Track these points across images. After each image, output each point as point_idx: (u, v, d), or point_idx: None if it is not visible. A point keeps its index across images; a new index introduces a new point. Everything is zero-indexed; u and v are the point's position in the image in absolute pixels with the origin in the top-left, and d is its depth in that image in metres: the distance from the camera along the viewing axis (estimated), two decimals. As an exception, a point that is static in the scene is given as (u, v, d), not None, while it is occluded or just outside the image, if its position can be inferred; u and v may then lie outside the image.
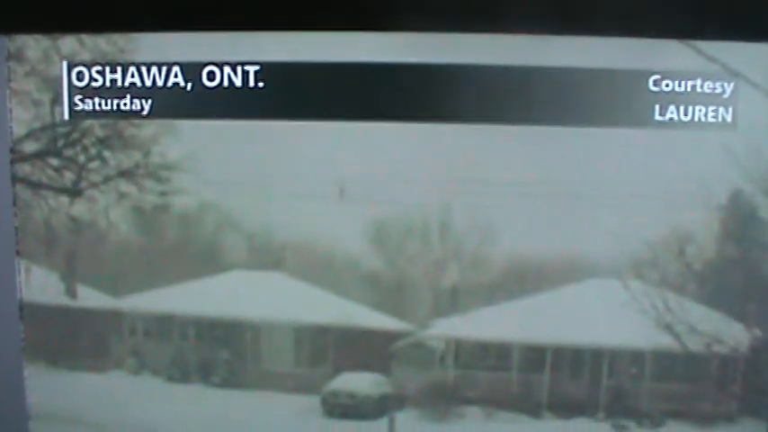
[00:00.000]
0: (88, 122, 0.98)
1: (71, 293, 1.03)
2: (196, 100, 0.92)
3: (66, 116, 0.96)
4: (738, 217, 0.95)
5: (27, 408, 1.04)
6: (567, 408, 1.01)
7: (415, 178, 0.93)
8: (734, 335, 0.98)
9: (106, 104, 0.94)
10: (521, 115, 0.91)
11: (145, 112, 0.93)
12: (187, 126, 0.95)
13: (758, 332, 0.98)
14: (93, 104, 0.94)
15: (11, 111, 0.96)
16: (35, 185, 1.00)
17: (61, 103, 0.97)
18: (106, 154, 0.99)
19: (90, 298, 1.03)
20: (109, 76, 0.94)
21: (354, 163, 0.94)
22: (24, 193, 0.98)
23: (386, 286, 0.98)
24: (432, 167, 0.94)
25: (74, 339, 1.04)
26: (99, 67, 0.94)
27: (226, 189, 0.96)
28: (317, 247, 0.97)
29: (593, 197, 0.93)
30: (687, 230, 0.96)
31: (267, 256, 0.99)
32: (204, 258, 1.00)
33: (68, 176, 1.00)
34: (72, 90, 0.94)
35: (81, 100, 0.95)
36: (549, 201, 0.93)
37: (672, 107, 0.91)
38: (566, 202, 0.93)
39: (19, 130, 0.97)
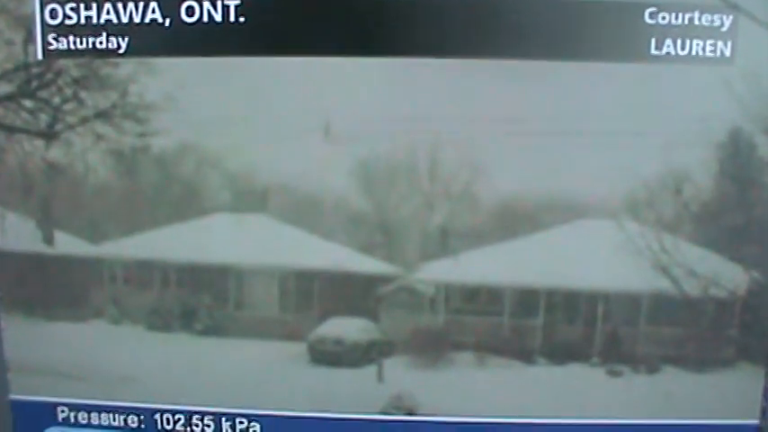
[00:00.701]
0: (63, 62, 0.95)
1: (48, 240, 1.02)
2: (175, 36, 0.90)
3: (40, 56, 0.93)
4: (737, 156, 0.93)
5: (5, 360, 1.03)
6: (560, 353, 1.01)
7: (402, 116, 0.91)
8: (732, 277, 0.98)
9: (81, 43, 0.92)
10: (512, 50, 0.89)
11: (122, 51, 0.91)
12: (166, 64, 0.93)
13: (756, 275, 0.97)
14: (68, 43, 0.92)
15: (-19, 50, 0.93)
16: (8, 129, 0.98)
17: (34, 43, 0.94)
18: (82, 95, 0.97)
19: (68, 245, 1.01)
20: (84, 13, 0.92)
21: (340, 101, 0.92)
22: (-3, 137, 0.95)
23: (373, 228, 0.97)
24: (420, 105, 0.92)
25: (51, 288, 1.03)
26: (73, 4, 0.91)
27: (207, 129, 0.94)
28: (301, 189, 0.96)
29: (588, 135, 0.92)
30: (684, 169, 0.94)
31: (250, 199, 0.97)
32: (185, 202, 0.99)
33: (43, 119, 0.98)
34: (45, 28, 0.92)
35: (55, 39, 0.93)
36: (541, 139, 0.92)
37: (668, 41, 0.89)
38: (559, 140, 0.92)
39: (-10, 70, 0.94)
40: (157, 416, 1.03)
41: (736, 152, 0.93)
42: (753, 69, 0.91)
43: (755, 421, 1.00)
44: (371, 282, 0.99)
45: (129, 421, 1.03)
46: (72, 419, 1.04)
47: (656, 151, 0.93)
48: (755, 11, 0.90)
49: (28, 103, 0.98)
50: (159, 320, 1.02)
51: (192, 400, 1.02)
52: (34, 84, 0.97)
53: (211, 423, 1.01)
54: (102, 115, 0.97)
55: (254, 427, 1.01)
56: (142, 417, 1.03)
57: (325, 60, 0.90)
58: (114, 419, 1.04)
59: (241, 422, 1.01)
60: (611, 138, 0.92)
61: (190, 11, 0.91)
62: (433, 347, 1.00)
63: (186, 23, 0.91)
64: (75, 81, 0.96)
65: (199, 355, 1.02)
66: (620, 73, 0.92)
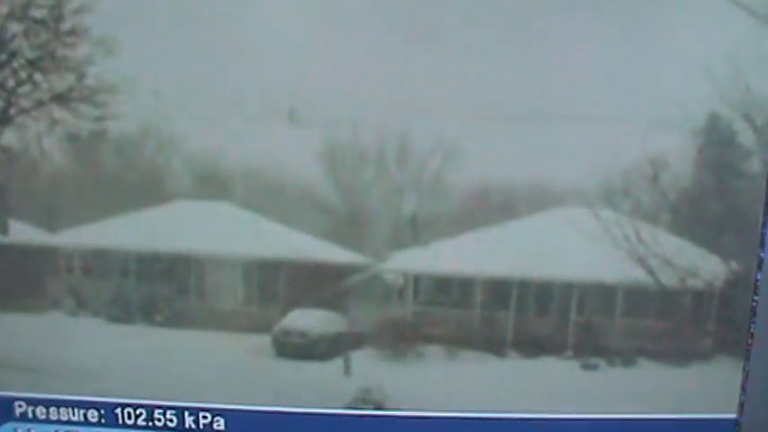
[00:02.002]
0: (17, 43, 0.94)
1: (2, 229, 1.01)
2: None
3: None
4: (716, 143, 0.93)
5: (-41, 353, 1.00)
6: (533, 346, 1.01)
7: (371, 99, 0.91)
8: (709, 268, 0.98)
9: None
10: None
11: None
12: (125, 45, 0.91)
13: (735, 265, 0.97)
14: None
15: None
16: None
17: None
18: (37, 77, 0.96)
19: (23, 233, 1.00)
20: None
21: (307, 81, 0.91)
22: (-52, 121, 0.95)
23: (340, 216, 0.97)
24: (389, 87, 0.91)
25: (6, 279, 1.02)
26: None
27: (167, 113, 0.94)
28: (266, 175, 0.96)
29: (563, 121, 0.91)
30: (662, 156, 0.94)
31: (212, 185, 0.97)
32: (145, 188, 0.98)
33: None
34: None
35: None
36: (515, 123, 0.92)
37: (644, 23, 0.88)
38: (533, 125, 0.92)
39: (-60, 51, 0.93)
40: (118, 410, 1.02)
41: (714, 139, 0.93)
42: (732, 55, 0.90)
43: (733, 415, 1.00)
44: (338, 272, 0.99)
45: (90, 416, 1.02)
46: (30, 414, 1.03)
47: (633, 138, 0.93)
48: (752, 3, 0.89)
49: None
50: (119, 312, 1.02)
51: (153, 393, 1.01)
52: None
53: (174, 417, 1.01)
54: (58, 98, 0.96)
55: (217, 421, 1.01)
56: (103, 411, 1.02)
57: (291, 40, 0.89)
58: (74, 414, 1.03)
59: (204, 416, 1.01)
60: (587, 123, 0.92)
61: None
62: (401, 340, 1.01)
63: None
64: (31, 63, 0.96)
65: (160, 348, 1.01)
66: (597, 57, 0.91)
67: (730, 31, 0.90)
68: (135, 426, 1.02)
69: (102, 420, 1.03)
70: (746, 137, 0.94)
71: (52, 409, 1.03)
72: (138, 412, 1.02)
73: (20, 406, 1.03)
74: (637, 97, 0.92)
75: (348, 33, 0.90)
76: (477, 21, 0.89)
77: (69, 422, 1.03)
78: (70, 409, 1.03)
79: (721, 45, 0.90)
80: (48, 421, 1.04)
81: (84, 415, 1.03)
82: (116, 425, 1.03)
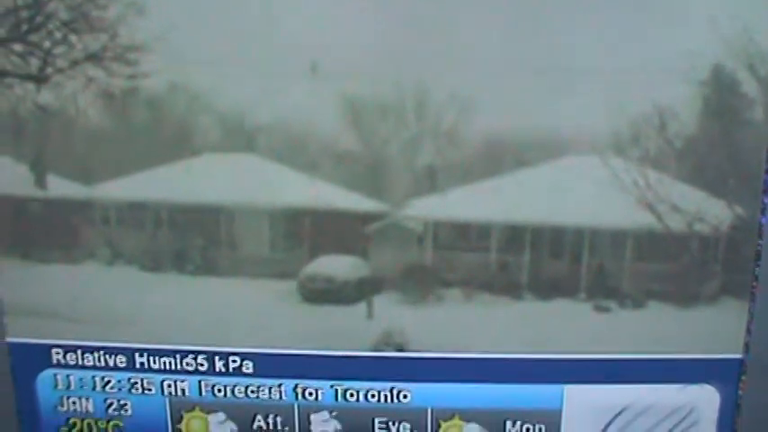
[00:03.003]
0: (53, 5, 0.98)
1: (41, 184, 1.05)
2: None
3: (30, -2, 0.96)
4: (720, 92, 0.97)
5: (1, 303, 1.07)
6: (547, 289, 1.05)
7: (390, 53, 0.95)
8: (715, 213, 1.02)
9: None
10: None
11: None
12: (154, 5, 0.96)
13: (739, 210, 1.01)
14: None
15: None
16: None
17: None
18: (72, 38, 0.99)
19: (61, 187, 1.05)
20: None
21: (327, 38, 0.95)
22: (-12, 81, 0.98)
23: (361, 166, 1.01)
24: (407, 42, 0.95)
25: (45, 231, 1.07)
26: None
27: (195, 70, 0.97)
28: (290, 128, 0.99)
29: (573, 72, 0.95)
30: (668, 106, 0.98)
31: (239, 138, 1.01)
32: (175, 142, 1.02)
33: (34, 63, 1.00)
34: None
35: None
36: (527, 76, 0.95)
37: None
38: (544, 77, 0.95)
39: (-21, 15, 0.96)
40: (152, 356, 1.08)
41: (719, 88, 0.97)
42: (736, 5, 0.94)
43: (739, 355, 1.05)
44: (360, 219, 1.03)
45: (120, 362, 1.08)
46: (67, 361, 1.09)
47: (641, 88, 0.96)
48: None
49: (18, 47, 1.00)
50: (152, 261, 1.06)
51: (185, 339, 1.06)
52: (24, 27, 0.99)
53: (204, 362, 1.06)
54: (92, 58, 1.00)
55: (246, 364, 1.06)
56: (136, 356, 1.08)
57: (312, -1, 0.94)
58: (109, 360, 1.08)
59: (234, 360, 1.06)
60: (597, 76, 0.96)
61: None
62: (421, 284, 1.05)
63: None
64: (65, 24, 0.99)
65: (191, 295, 1.06)
66: (606, 11, 0.95)
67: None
68: (169, 370, 1.08)
69: (137, 365, 1.09)
70: (750, 86, 0.98)
71: (88, 356, 1.09)
72: (171, 358, 1.07)
73: (57, 353, 1.09)
74: (644, 50, 0.96)
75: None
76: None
77: (106, 367, 1.09)
78: (106, 355, 1.09)
79: (725, -1, 0.94)
80: (84, 367, 1.10)
81: (118, 360, 1.08)
82: (150, 370, 1.09)
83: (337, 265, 1.05)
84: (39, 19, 0.99)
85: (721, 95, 0.98)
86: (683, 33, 0.95)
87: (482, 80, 0.96)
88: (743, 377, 1.06)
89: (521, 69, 0.95)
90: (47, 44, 1.00)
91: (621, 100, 0.97)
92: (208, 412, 1.10)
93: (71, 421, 1.12)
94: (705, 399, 1.07)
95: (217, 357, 1.07)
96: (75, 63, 1.00)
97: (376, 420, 1.09)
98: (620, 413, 1.08)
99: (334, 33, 0.96)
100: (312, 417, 1.09)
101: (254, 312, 1.06)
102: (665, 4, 0.95)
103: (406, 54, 0.95)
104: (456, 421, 1.08)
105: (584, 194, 1.01)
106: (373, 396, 1.07)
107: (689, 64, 0.96)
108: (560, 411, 1.08)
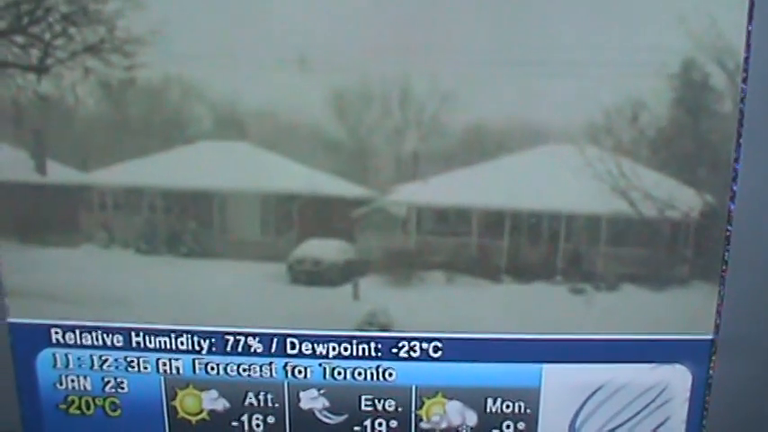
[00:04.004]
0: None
1: (41, 170, 1.11)
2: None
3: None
4: (690, 85, 1.03)
5: (2, 285, 1.13)
6: (525, 272, 1.11)
7: (375, 46, 1.00)
8: (686, 200, 1.08)
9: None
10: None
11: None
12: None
13: (709, 197, 1.07)
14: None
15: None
16: (1, 64, 1.06)
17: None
18: (71, 30, 1.04)
19: (60, 173, 1.10)
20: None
21: (315, 31, 1.01)
22: (-10, 72, 1.03)
23: (347, 154, 1.06)
24: (392, 35, 1.01)
25: (45, 215, 1.13)
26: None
27: (190, 61, 1.03)
28: (279, 117, 1.05)
29: (550, 65, 1.01)
30: (641, 98, 1.03)
31: (232, 127, 1.06)
32: (170, 131, 1.07)
33: (34, 54, 1.05)
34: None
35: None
36: (507, 68, 1.01)
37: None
38: (523, 69, 1.01)
39: (-19, 8, 1.01)
40: (148, 336, 1.14)
41: (689, 82, 1.03)
42: (704, 4, 0.99)
43: (709, 336, 1.11)
44: (347, 204, 1.08)
45: (117, 341, 1.14)
46: (66, 340, 1.15)
47: (614, 81, 1.02)
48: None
49: (19, 39, 1.05)
50: (147, 244, 1.12)
51: (179, 319, 1.12)
52: (25, 20, 1.05)
53: (198, 341, 1.13)
54: (90, 50, 1.05)
55: (238, 344, 1.13)
56: (132, 336, 1.14)
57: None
58: (106, 340, 1.14)
59: (226, 340, 1.12)
60: (572, 67, 1.01)
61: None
62: (405, 267, 1.11)
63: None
64: (65, 17, 1.04)
65: (185, 277, 1.11)
66: (581, 8, 1.01)
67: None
68: (164, 349, 1.14)
69: (133, 345, 1.15)
70: (719, 80, 1.04)
71: (86, 335, 1.15)
72: (165, 337, 1.13)
73: (56, 332, 1.15)
74: (618, 45, 1.02)
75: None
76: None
77: (103, 346, 1.15)
78: (103, 335, 1.15)
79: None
80: (82, 346, 1.16)
81: (117, 340, 1.14)
82: (146, 349, 1.15)
83: (325, 249, 1.10)
84: (39, 12, 1.04)
85: (691, 88, 1.03)
86: (655, 29, 1.01)
87: (464, 71, 1.02)
88: (713, 357, 1.11)
89: (501, 61, 1.01)
90: (47, 36, 1.05)
91: (596, 92, 1.03)
92: (201, 390, 1.16)
93: (69, 398, 1.18)
94: (677, 378, 1.13)
95: (210, 337, 1.13)
96: (74, 54, 1.05)
97: (362, 397, 1.15)
98: (596, 391, 1.14)
99: (321, 27, 1.01)
100: (301, 394, 1.15)
101: (246, 294, 1.12)
102: (636, 1, 1.00)
103: (391, 46, 1.01)
104: (439, 398, 1.15)
105: (561, 182, 1.07)
106: (360, 374, 1.13)
107: (660, 58, 1.01)
108: (539, 389, 1.14)
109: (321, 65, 1.02)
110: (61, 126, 1.08)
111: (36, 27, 1.05)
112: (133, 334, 1.14)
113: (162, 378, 1.14)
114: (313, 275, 1.10)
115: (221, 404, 1.14)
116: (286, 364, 1.12)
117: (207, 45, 1.02)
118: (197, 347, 1.12)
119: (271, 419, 1.14)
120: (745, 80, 1.02)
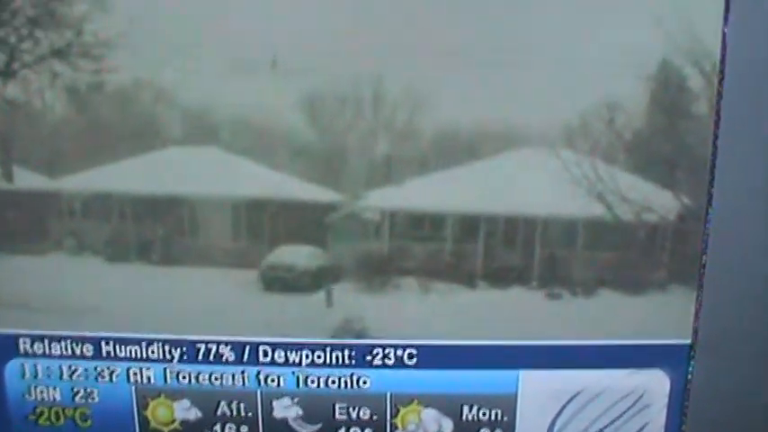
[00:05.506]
0: (18, 2, 1.03)
1: (7, 177, 1.11)
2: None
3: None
4: (667, 87, 1.04)
5: (-31, 294, 1.10)
6: (501, 277, 1.12)
7: (347, 49, 1.01)
8: (663, 203, 1.09)
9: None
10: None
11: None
12: (119, 2, 1.02)
13: (686, 200, 1.08)
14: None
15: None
16: None
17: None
18: (38, 34, 1.05)
19: (27, 180, 1.10)
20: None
21: (286, 34, 1.01)
22: (-45, 76, 1.03)
23: (320, 158, 1.07)
24: (364, 38, 1.01)
25: (12, 223, 1.12)
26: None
27: (159, 65, 1.03)
28: (250, 121, 1.05)
29: (525, 66, 1.02)
30: (617, 100, 1.05)
31: (202, 132, 1.07)
32: (140, 136, 1.08)
33: (0, 58, 1.05)
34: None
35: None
36: (480, 70, 1.02)
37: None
38: (497, 71, 1.02)
39: (-55, 11, 1.01)
40: (118, 345, 1.14)
41: (666, 83, 1.04)
42: (681, 6, 1.01)
43: (687, 340, 1.12)
44: (319, 210, 1.09)
45: (87, 350, 1.14)
46: (34, 350, 1.15)
47: (590, 83, 1.03)
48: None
49: None
50: (117, 251, 1.12)
51: (150, 327, 1.13)
52: None
53: (169, 350, 1.13)
54: (58, 53, 1.05)
55: (210, 352, 1.13)
56: (102, 345, 1.14)
57: (271, -4, 1.01)
58: (75, 349, 1.14)
59: (198, 348, 1.13)
60: (547, 70, 1.03)
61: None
62: (379, 273, 1.11)
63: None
64: (31, 20, 1.04)
65: (156, 285, 1.12)
66: (556, 8, 1.02)
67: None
68: (134, 358, 1.14)
69: (103, 354, 1.15)
70: (695, 81, 1.05)
71: (55, 345, 1.14)
72: (136, 346, 1.14)
73: (24, 342, 1.15)
74: (594, 46, 1.03)
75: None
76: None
77: (73, 356, 1.15)
78: (73, 344, 1.14)
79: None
80: (51, 356, 1.15)
81: (86, 349, 1.14)
82: (116, 358, 1.15)
83: (297, 255, 1.11)
84: (5, 15, 1.04)
85: (668, 90, 1.05)
86: (631, 30, 1.02)
87: (437, 74, 1.03)
88: (692, 361, 1.12)
89: (474, 64, 1.02)
90: (13, 40, 1.05)
91: (571, 94, 1.04)
92: (173, 399, 1.16)
93: (38, 409, 1.18)
94: (656, 383, 1.14)
95: (181, 345, 1.13)
96: (41, 58, 1.06)
97: (336, 406, 1.15)
98: (573, 397, 1.15)
99: (293, 30, 1.02)
100: (275, 403, 1.15)
101: (217, 301, 1.12)
102: (612, 2, 1.02)
103: (363, 49, 1.01)
104: (414, 406, 1.15)
105: (537, 185, 1.08)
106: (333, 382, 1.14)
107: (637, 59, 1.03)
108: (516, 396, 1.14)
109: (292, 68, 1.02)
110: (28, 131, 1.08)
111: (1, 30, 1.05)
112: (103, 343, 1.13)
113: (133, 388, 1.14)
114: (286, 282, 1.11)
115: (193, 413, 1.15)
116: (259, 373, 1.12)
117: (177, 48, 1.03)
118: (168, 356, 1.12)
119: (244, 429, 1.15)
120: (721, 82, 1.02)
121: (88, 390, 1.15)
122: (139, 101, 1.06)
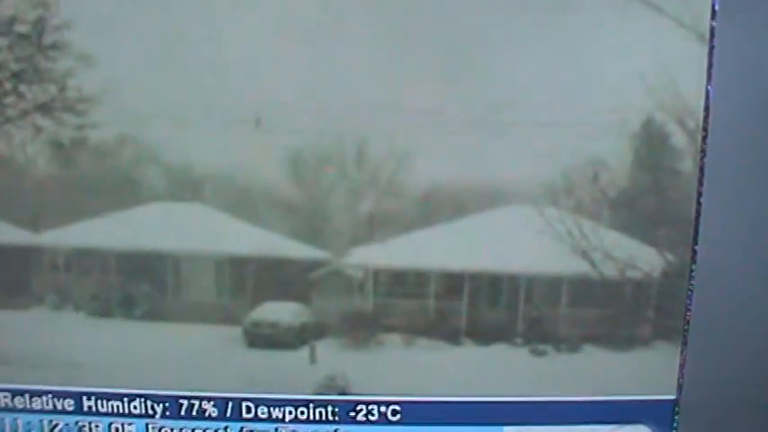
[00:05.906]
0: (2, 57, 1.04)
1: None
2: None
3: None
4: (651, 145, 1.05)
5: (-52, 348, 1.09)
6: (485, 334, 1.12)
7: (331, 107, 1.02)
8: (647, 260, 1.09)
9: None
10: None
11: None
12: (103, 58, 1.03)
13: (670, 257, 1.09)
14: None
15: None
16: None
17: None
18: (22, 88, 1.05)
19: (9, 234, 1.10)
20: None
21: (270, 93, 1.02)
22: (-61, 131, 1.03)
23: (304, 215, 1.07)
24: (347, 96, 1.02)
25: (-7, 277, 1.10)
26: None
27: (143, 121, 1.03)
28: (234, 178, 1.06)
29: (508, 125, 1.02)
30: (601, 158, 1.05)
31: (186, 188, 1.07)
32: (123, 191, 1.08)
33: None
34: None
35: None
36: (465, 129, 1.02)
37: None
38: (480, 130, 1.03)
39: (-69, 66, 1.01)
40: (100, 400, 1.13)
41: (649, 141, 1.05)
42: (666, 62, 1.02)
43: (672, 396, 1.12)
44: (303, 267, 1.09)
45: (68, 405, 1.12)
46: (15, 404, 1.13)
47: (574, 141, 1.04)
48: (668, 8, 1.02)
49: None
50: (99, 306, 1.12)
51: (132, 383, 1.11)
52: None
53: (152, 405, 1.12)
54: (41, 108, 1.05)
55: (193, 408, 1.12)
56: (83, 400, 1.12)
57: (255, 55, 1.02)
58: (57, 404, 1.13)
59: (181, 404, 1.12)
60: (531, 128, 1.03)
61: None
62: (363, 329, 1.11)
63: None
64: (15, 75, 1.05)
65: (139, 340, 1.11)
66: (539, 68, 1.03)
67: (662, 41, 1.02)
68: (116, 413, 1.14)
69: (84, 409, 1.13)
70: (679, 139, 1.06)
71: (36, 399, 1.13)
72: (118, 401, 1.13)
73: (5, 396, 1.14)
74: (577, 104, 1.04)
75: (308, 49, 1.02)
76: (427, 37, 1.02)
77: (54, 411, 1.14)
78: (54, 399, 1.13)
79: (654, 55, 1.02)
80: (32, 411, 1.14)
81: (68, 404, 1.13)
82: (98, 413, 1.14)
83: (281, 312, 1.11)
84: (-12, 70, 1.03)
85: (652, 147, 1.05)
86: (615, 88, 1.03)
87: (420, 132, 1.03)
88: (676, 417, 1.12)
89: (457, 122, 1.02)
90: (-5, 95, 1.03)
91: (555, 152, 1.04)
92: (155, 455, 1.14)
93: (18, 465, 1.15)
94: (640, 439, 1.12)
95: (164, 401, 1.12)
96: (24, 113, 1.06)
97: (320, 462, 1.13)
98: (558, 453, 1.13)
99: (277, 89, 1.02)
100: (257, 458, 1.13)
101: (201, 357, 1.11)
102: (597, 60, 1.03)
103: (347, 109, 1.02)
104: (398, 463, 1.13)
105: (521, 243, 1.08)
106: (317, 439, 1.12)
107: (620, 117, 1.04)
108: (500, 452, 1.12)
109: (277, 127, 1.03)
110: (11, 185, 1.08)
111: (-16, 85, 1.02)
112: (85, 398, 1.12)
113: (115, 443, 1.12)
114: (269, 339, 1.11)
115: (176, 469, 1.13)
116: (242, 429, 1.12)
117: (162, 105, 1.03)
118: (150, 411, 1.11)
119: (227, 485, 1.13)
120: (704, 139, 1.03)
121: (69, 445, 1.13)
122: (123, 156, 1.06)
